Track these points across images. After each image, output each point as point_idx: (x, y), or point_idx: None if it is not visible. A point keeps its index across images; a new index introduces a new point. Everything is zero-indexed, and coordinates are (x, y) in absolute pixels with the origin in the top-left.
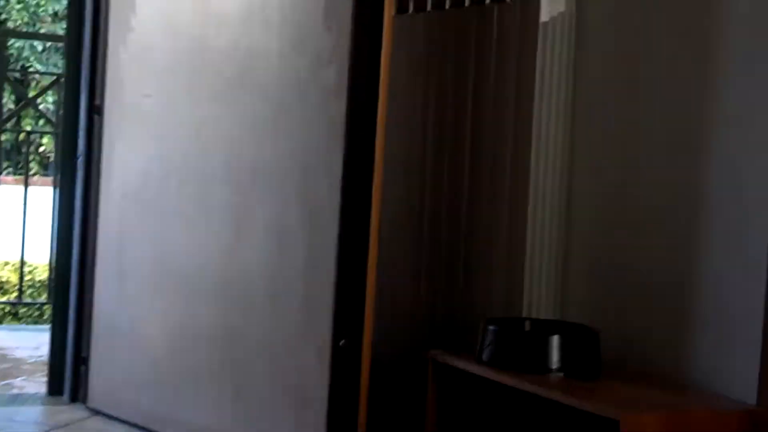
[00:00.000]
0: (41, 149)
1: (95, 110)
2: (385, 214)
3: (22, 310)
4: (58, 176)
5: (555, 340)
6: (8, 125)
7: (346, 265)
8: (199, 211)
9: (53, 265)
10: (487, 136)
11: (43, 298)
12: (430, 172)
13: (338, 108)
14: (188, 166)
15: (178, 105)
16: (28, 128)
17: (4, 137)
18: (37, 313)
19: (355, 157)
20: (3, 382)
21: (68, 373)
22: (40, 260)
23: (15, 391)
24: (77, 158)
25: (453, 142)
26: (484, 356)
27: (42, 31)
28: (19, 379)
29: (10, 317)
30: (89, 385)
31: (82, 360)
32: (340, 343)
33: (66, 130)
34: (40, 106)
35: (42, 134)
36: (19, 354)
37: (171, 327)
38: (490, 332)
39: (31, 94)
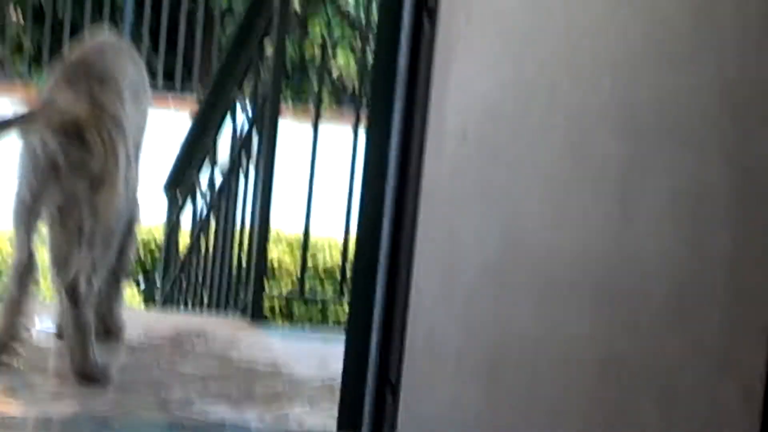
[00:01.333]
0: (333, 72)
1: (427, 11)
2: None
3: (299, 308)
4: (365, 110)
5: None
6: (292, 34)
7: None
8: (570, 167)
9: (350, 244)
10: None
11: (328, 291)
12: None
13: None
14: (556, 97)
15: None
16: (320, 37)
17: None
18: (319, 314)
19: None
20: (277, 412)
21: (368, 405)
22: (322, 234)
23: (293, 426)
24: (395, 83)
25: None
26: None
27: None
28: (298, 408)
29: (283, 318)
30: (398, 422)
31: (389, 386)
32: None
33: (382, 40)
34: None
35: (336, 44)
36: (299, 372)
37: (527, 345)
38: None
39: None
